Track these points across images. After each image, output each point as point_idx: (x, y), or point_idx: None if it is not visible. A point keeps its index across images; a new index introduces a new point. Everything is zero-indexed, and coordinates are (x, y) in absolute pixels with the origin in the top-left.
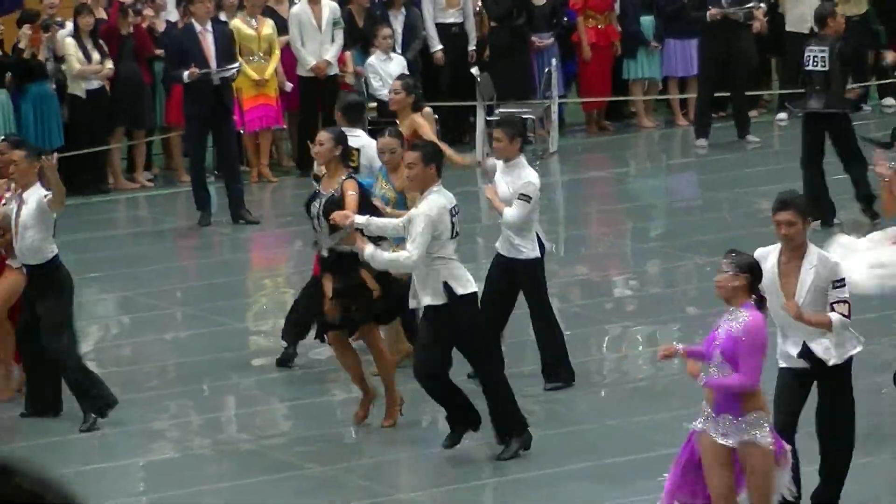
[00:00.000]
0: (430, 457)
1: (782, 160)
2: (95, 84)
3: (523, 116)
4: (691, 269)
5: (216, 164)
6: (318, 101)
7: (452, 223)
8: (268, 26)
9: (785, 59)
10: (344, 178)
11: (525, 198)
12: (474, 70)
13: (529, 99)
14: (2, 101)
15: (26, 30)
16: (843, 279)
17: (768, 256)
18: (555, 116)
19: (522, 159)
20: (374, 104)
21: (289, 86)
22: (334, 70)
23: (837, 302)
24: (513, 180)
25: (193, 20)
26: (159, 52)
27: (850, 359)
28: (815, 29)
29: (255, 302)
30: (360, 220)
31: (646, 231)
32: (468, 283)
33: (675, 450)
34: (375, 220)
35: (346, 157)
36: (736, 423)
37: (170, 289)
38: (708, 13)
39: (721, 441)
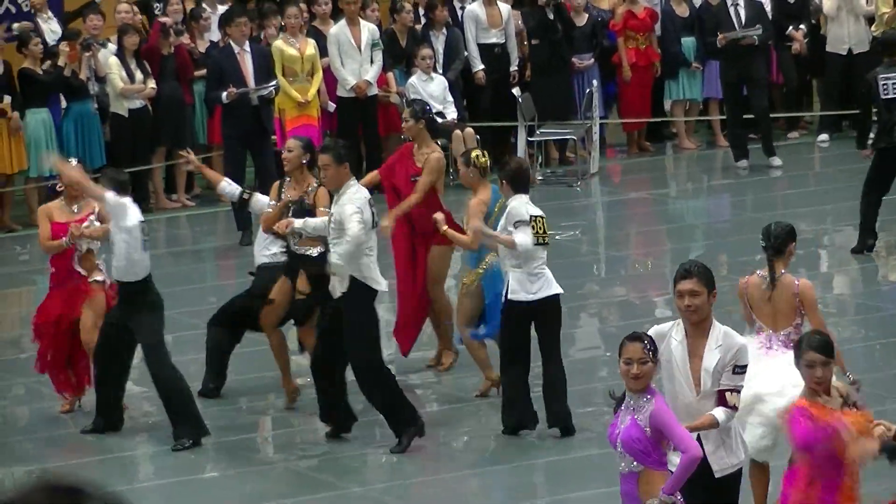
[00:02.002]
0: (463, 478)
1: (822, 182)
2: (138, 103)
3: (564, 137)
4: (731, 291)
5: (256, 184)
6: (358, 121)
7: (373, 212)
8: (310, 47)
9: (825, 81)
10: (315, 185)
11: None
12: (515, 90)
13: (570, 119)
14: (44, 120)
15: (64, 47)
16: (746, 366)
17: (671, 335)
18: (596, 137)
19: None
20: None
21: (332, 106)
22: (374, 90)
23: (730, 390)
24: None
25: (231, 41)
26: (199, 72)
27: (739, 473)
28: (885, 57)
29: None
30: (298, 223)
31: (686, 252)
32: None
33: None
34: (311, 220)
35: (313, 165)
36: None
37: (210, 308)
38: (717, 40)
39: None
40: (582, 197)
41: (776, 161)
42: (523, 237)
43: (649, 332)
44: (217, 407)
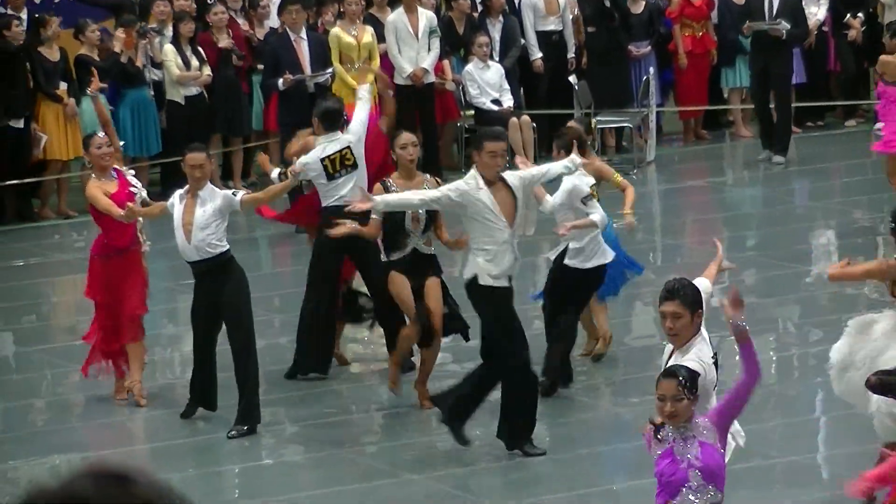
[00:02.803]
0: (521, 466)
1: (879, 170)
2: (194, 91)
3: (620, 125)
4: (788, 279)
5: None
6: (414, 109)
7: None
8: (368, 34)
9: None
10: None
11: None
12: (572, 78)
13: (627, 107)
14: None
15: (119, 34)
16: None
17: (663, 350)
18: (652, 125)
19: None
20: (472, 112)
21: (389, 93)
22: (431, 78)
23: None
24: None
25: (287, 28)
26: (259, 67)
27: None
28: None
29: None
30: (377, 198)
31: (742, 240)
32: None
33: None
34: (388, 196)
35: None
36: None
37: (266, 295)
38: (744, 27)
39: None
40: (638, 185)
41: (778, 159)
42: (599, 215)
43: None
44: (275, 394)
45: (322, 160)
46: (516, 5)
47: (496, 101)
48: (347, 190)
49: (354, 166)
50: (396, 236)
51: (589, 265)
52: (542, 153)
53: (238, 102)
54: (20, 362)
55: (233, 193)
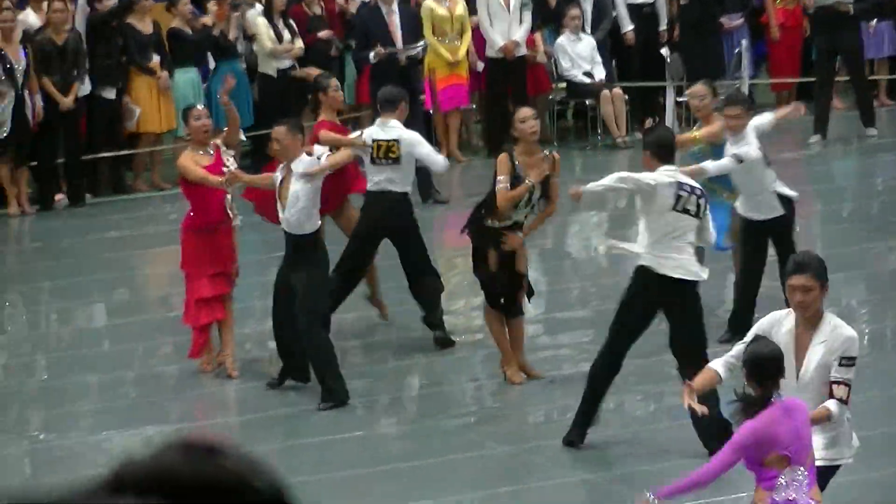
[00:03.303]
0: (609, 440)
1: None
2: (286, 63)
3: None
4: (883, 251)
5: None
6: (506, 81)
7: (679, 196)
8: (460, 6)
9: None
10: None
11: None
12: (664, 50)
13: (719, 80)
14: (192, 80)
15: (212, 6)
16: (854, 358)
17: (782, 323)
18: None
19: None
20: (564, 84)
21: (480, 65)
22: (523, 51)
23: (838, 383)
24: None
25: (379, 1)
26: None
27: (835, 469)
28: None
29: (445, 281)
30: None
31: (836, 214)
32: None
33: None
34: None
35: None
36: None
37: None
38: (806, 1)
39: None
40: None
41: (872, 132)
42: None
43: (765, 319)
44: (365, 366)
45: (373, 141)
46: None
47: (588, 74)
48: (382, 177)
49: (397, 160)
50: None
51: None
52: (635, 125)
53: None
54: (113, 334)
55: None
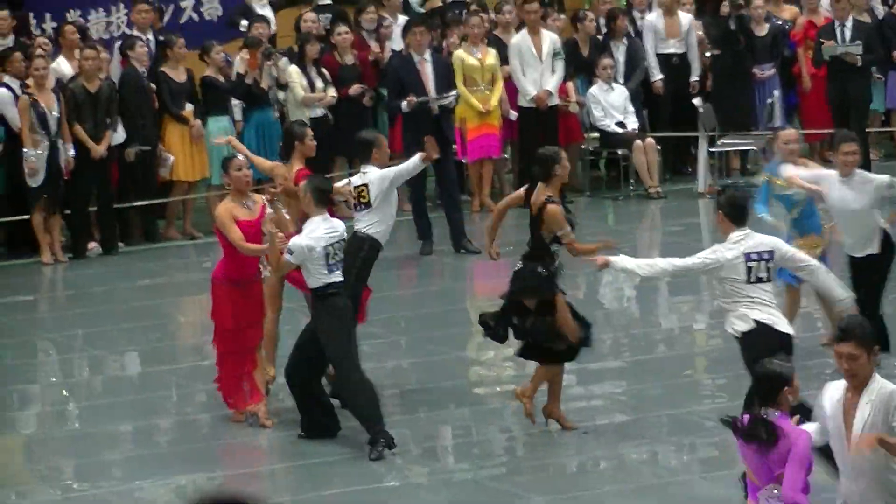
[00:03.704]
0: (642, 491)
1: None
2: (319, 112)
3: (745, 147)
4: None
5: (437, 194)
6: (538, 131)
7: (750, 267)
8: (491, 56)
9: None
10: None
11: None
12: (696, 100)
13: (751, 130)
14: (225, 127)
15: (244, 54)
16: None
17: (833, 393)
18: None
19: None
20: (596, 134)
21: (513, 115)
22: (555, 100)
23: None
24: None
25: (411, 50)
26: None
27: None
28: None
29: (477, 331)
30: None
31: None
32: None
33: None
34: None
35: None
36: None
37: (391, 317)
38: (822, 46)
39: None
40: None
41: None
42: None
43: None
44: (399, 416)
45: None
46: (639, 27)
47: (620, 124)
48: (363, 224)
49: (368, 205)
50: (542, 252)
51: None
52: (667, 175)
53: (363, 124)
54: (146, 382)
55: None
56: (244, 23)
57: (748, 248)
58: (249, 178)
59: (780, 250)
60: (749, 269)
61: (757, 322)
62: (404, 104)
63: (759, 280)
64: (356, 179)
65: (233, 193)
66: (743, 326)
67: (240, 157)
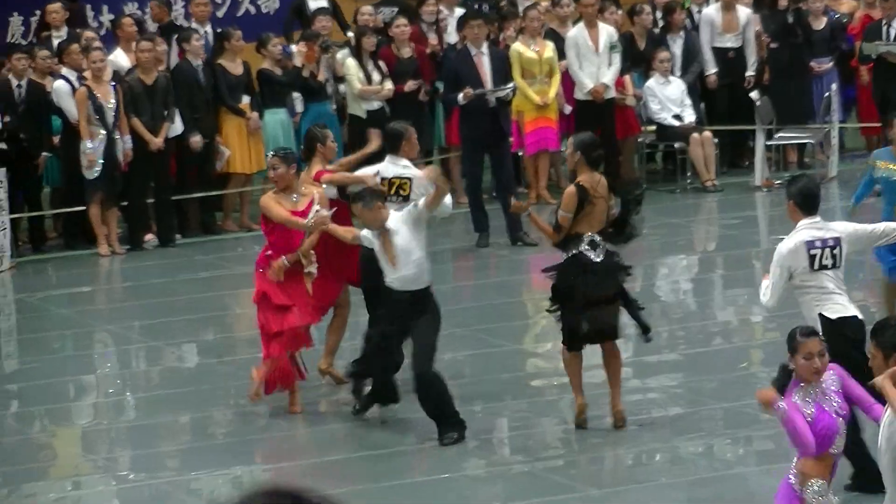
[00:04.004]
0: (697, 483)
1: None
2: (375, 105)
3: (802, 141)
4: None
5: (494, 186)
6: (595, 124)
7: (812, 255)
8: (549, 49)
9: None
10: None
11: None
12: (754, 94)
13: (809, 123)
14: (282, 121)
15: (301, 47)
16: None
17: None
18: (834, 141)
19: None
20: (653, 127)
21: (569, 108)
22: (612, 93)
23: None
24: None
25: (468, 43)
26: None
27: None
28: None
29: (534, 323)
30: None
31: None
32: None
33: None
34: None
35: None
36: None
37: (448, 310)
38: (863, 45)
39: None
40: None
41: None
42: None
43: None
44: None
45: (383, 179)
46: (696, 21)
47: (677, 117)
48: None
49: (407, 198)
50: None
51: None
52: (723, 168)
53: (419, 117)
54: (203, 373)
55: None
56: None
57: (810, 237)
58: (280, 177)
59: (850, 232)
60: (812, 257)
61: (824, 318)
62: (460, 97)
63: (825, 267)
64: (392, 170)
65: (279, 188)
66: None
67: (269, 155)
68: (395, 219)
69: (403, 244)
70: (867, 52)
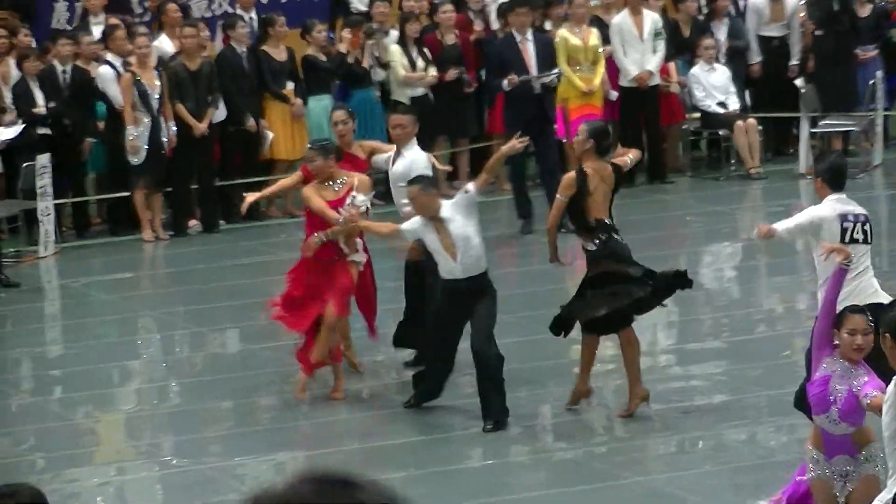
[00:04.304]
0: (741, 470)
1: None
2: (419, 91)
3: (846, 129)
4: None
5: (538, 173)
6: (640, 111)
7: (844, 228)
8: (594, 36)
9: None
10: None
11: None
12: (798, 81)
13: (853, 111)
14: (326, 107)
15: (346, 33)
16: None
17: None
18: (879, 129)
19: None
20: (697, 114)
21: (614, 95)
22: (656, 80)
23: None
24: None
25: (513, 30)
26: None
27: None
28: None
29: None
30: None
31: None
32: None
33: None
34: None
35: (606, 151)
36: (854, 461)
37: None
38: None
39: (840, 489)
40: (865, 188)
41: None
42: None
43: None
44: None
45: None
46: (741, 8)
47: (722, 104)
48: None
49: None
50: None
51: None
52: (768, 156)
53: (463, 104)
54: (247, 360)
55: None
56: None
57: (843, 210)
58: (318, 169)
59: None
60: (844, 229)
61: None
62: (505, 83)
63: (855, 241)
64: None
65: (321, 178)
66: None
67: (308, 147)
68: (448, 207)
69: (460, 231)
70: None
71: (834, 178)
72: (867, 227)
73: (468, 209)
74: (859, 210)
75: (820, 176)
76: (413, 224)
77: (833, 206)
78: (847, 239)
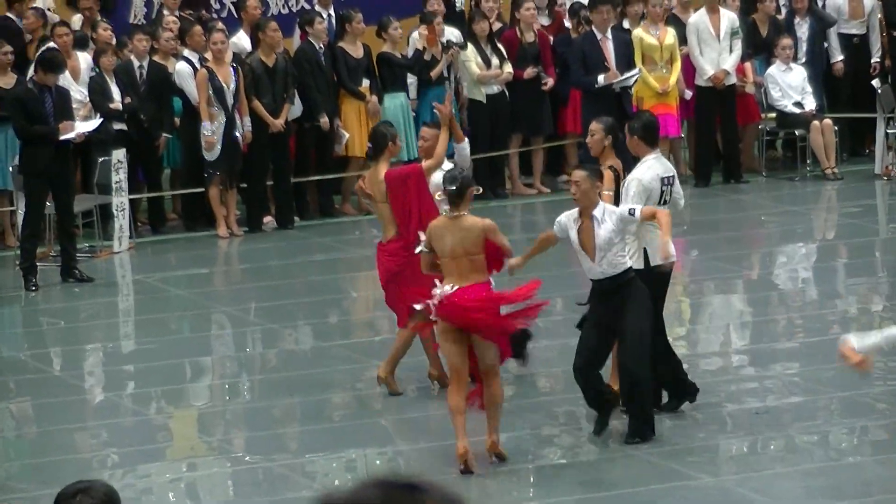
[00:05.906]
0: (813, 472)
1: None
2: (495, 89)
3: None
4: None
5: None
6: (715, 110)
7: (662, 191)
8: (670, 35)
9: None
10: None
11: None
12: (875, 82)
13: None
14: (402, 104)
15: (422, 30)
16: None
17: None
18: None
19: None
20: (773, 114)
21: (688, 93)
22: (732, 80)
23: None
24: None
25: (594, 28)
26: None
27: None
28: None
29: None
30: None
31: None
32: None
33: None
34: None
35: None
36: None
37: (560, 296)
38: None
39: None
40: None
41: None
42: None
43: None
44: (568, 394)
45: None
46: (820, 7)
47: (798, 104)
48: None
49: None
50: None
51: None
52: (844, 156)
53: (539, 101)
54: (319, 356)
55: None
56: None
57: (663, 173)
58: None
59: None
60: (661, 192)
61: None
62: (601, 78)
63: (665, 203)
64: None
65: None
66: None
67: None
68: (607, 211)
69: (606, 237)
70: None
71: (647, 134)
72: (664, 188)
73: (622, 228)
74: (672, 172)
75: (635, 134)
76: (565, 216)
77: (662, 165)
78: (661, 202)
